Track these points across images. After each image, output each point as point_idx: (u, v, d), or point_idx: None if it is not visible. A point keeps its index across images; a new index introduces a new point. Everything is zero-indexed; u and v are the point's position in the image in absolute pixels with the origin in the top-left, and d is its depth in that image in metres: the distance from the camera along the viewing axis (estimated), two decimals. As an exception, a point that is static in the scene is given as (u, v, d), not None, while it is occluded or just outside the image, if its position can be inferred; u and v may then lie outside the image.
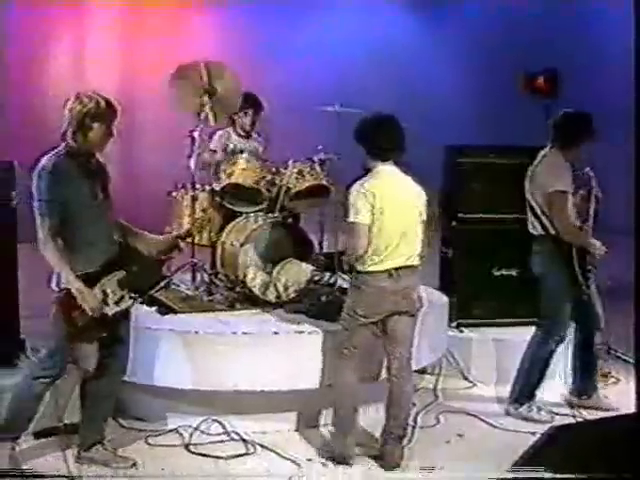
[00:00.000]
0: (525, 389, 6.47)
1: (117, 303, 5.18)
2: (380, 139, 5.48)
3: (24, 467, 5.34)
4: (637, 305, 4.38)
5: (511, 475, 4.74)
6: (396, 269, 5.39)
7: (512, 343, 7.10)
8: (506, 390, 6.75)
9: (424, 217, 5.59)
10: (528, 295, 7.17)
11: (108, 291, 5.13)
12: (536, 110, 9.23)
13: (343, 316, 5.62)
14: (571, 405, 6.65)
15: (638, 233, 4.43)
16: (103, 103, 5.08)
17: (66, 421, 6.00)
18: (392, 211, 5.37)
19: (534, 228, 6.36)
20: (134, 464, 5.55)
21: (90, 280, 5.04)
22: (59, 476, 4.67)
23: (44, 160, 5.05)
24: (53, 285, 5.10)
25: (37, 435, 5.77)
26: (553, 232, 6.22)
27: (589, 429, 5.33)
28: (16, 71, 9.11)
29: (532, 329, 6.61)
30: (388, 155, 5.50)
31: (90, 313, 5.00)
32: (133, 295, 5.30)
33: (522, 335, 7.09)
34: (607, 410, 6.50)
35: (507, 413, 6.50)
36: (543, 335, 6.44)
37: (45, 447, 5.71)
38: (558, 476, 4.48)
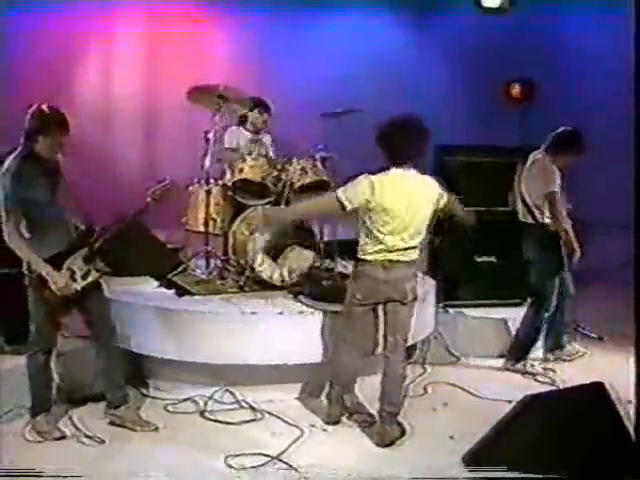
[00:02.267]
0: (522, 350, 6.80)
1: (84, 277, 5.29)
2: (395, 145, 5.23)
3: (60, 428, 5.47)
4: (637, 301, 4.42)
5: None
6: (390, 261, 5.28)
7: (492, 321, 7.23)
8: (486, 363, 6.97)
9: (429, 217, 5.37)
10: (506, 279, 7.32)
11: (74, 268, 5.24)
12: (513, 114, 9.35)
13: (345, 300, 5.60)
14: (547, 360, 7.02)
15: (638, 232, 4.45)
16: (50, 118, 5.12)
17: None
18: (394, 209, 5.19)
19: (525, 218, 6.58)
20: (156, 428, 5.63)
21: (56, 262, 5.15)
22: (61, 477, 4.71)
23: (7, 162, 5.14)
24: (24, 269, 5.22)
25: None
26: (542, 222, 6.53)
27: (558, 397, 5.41)
28: (43, 75, 9.11)
29: (510, 309, 6.82)
30: (402, 159, 5.25)
31: (59, 293, 5.13)
32: (99, 269, 5.40)
33: (501, 314, 7.24)
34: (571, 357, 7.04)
35: (506, 369, 6.81)
36: (536, 308, 6.75)
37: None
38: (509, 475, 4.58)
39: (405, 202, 5.22)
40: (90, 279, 5.34)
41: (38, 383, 5.51)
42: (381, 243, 5.26)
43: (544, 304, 6.70)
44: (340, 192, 5.24)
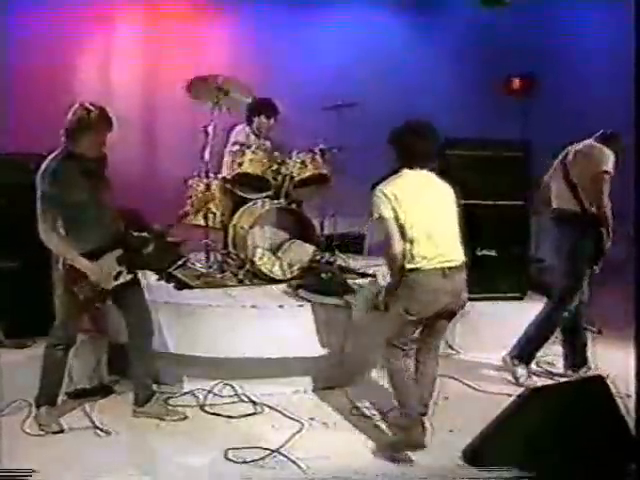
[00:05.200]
0: (528, 348, 6.55)
1: (116, 278, 5.31)
2: (408, 148, 5.12)
3: (60, 422, 5.47)
4: (637, 297, 4.42)
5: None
6: (449, 268, 5.01)
7: (492, 316, 7.17)
8: (486, 357, 6.89)
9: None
10: (506, 273, 7.30)
11: (107, 267, 5.26)
12: (514, 108, 9.34)
13: (393, 312, 5.20)
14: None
15: (638, 231, 4.45)
16: (94, 116, 5.11)
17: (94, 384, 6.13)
18: (421, 212, 5.01)
19: (569, 204, 6.43)
20: (185, 417, 5.67)
21: (90, 258, 5.17)
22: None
23: (45, 162, 5.15)
24: (59, 265, 5.23)
25: (70, 395, 5.89)
26: (586, 208, 6.33)
27: (558, 391, 5.40)
28: (46, 72, 9.11)
29: (510, 303, 6.72)
30: (414, 163, 5.14)
31: (98, 285, 5.16)
32: (132, 270, 5.43)
33: (501, 308, 7.23)
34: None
35: (504, 362, 6.61)
36: (556, 305, 6.50)
37: (75, 405, 5.83)
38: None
39: (427, 201, 5.10)
40: (121, 280, 5.35)
41: (50, 377, 5.52)
42: (427, 250, 5.00)
43: (567, 301, 6.42)
44: (378, 214, 5.06)
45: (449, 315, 5.25)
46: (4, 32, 8.64)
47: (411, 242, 4.99)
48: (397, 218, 5.00)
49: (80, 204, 5.15)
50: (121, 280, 5.35)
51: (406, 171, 5.16)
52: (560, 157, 6.59)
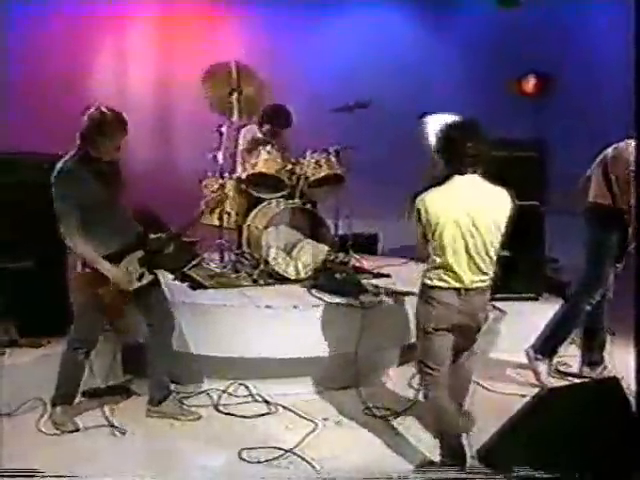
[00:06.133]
0: (550, 343, 6.52)
1: (139, 279, 5.33)
2: (455, 151, 4.70)
3: (75, 421, 5.48)
4: (637, 296, 4.41)
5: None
6: (467, 290, 4.72)
7: (507, 315, 7.17)
8: (501, 357, 6.86)
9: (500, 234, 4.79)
10: (521, 273, 7.28)
11: (130, 269, 5.27)
12: (528, 107, 9.30)
13: (417, 330, 4.97)
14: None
15: (638, 231, 4.43)
16: (110, 120, 5.09)
17: (110, 383, 6.14)
18: (456, 228, 4.66)
19: (603, 199, 6.39)
20: (199, 417, 5.69)
21: (112, 261, 5.17)
22: (60, 476, 4.73)
23: (59, 164, 5.14)
24: (78, 268, 5.23)
25: (84, 394, 5.89)
26: (619, 204, 6.31)
27: (573, 392, 5.38)
28: (62, 72, 9.14)
29: (526, 304, 6.70)
30: (464, 167, 4.70)
31: (122, 287, 5.17)
32: (154, 271, 5.46)
33: (515, 308, 7.20)
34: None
35: (527, 355, 6.53)
36: (581, 294, 6.48)
37: (90, 405, 5.84)
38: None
39: (467, 217, 4.68)
40: (144, 281, 5.38)
41: (69, 378, 5.54)
42: (448, 266, 4.72)
43: (591, 293, 6.40)
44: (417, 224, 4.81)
45: (467, 331, 4.95)
46: (22, 32, 8.67)
47: (436, 255, 4.76)
48: (425, 232, 4.77)
49: (97, 206, 5.15)
50: (144, 281, 5.37)
51: (456, 177, 4.73)
52: (603, 153, 6.60)
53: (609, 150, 6.54)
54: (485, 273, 4.80)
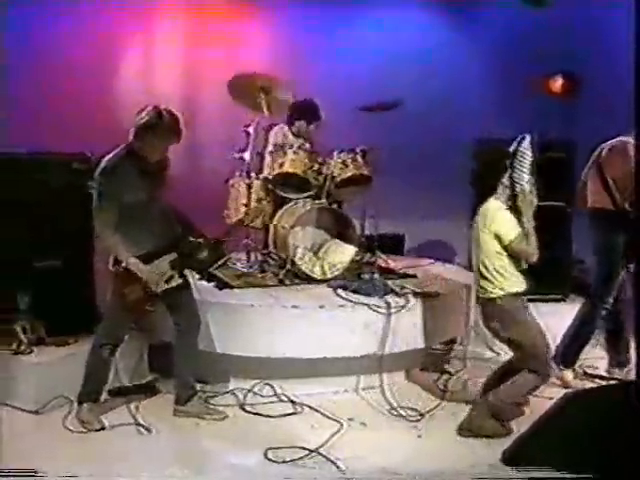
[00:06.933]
0: (570, 350, 6.50)
1: (167, 282, 5.32)
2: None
3: (101, 420, 5.51)
4: (637, 298, 4.39)
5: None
6: (478, 297, 5.64)
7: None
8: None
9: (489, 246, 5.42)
10: (547, 274, 7.23)
11: (159, 271, 5.27)
12: (555, 108, 9.20)
13: None
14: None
15: (638, 230, 4.41)
16: (163, 120, 5.08)
17: (135, 382, 6.19)
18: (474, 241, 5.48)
19: (603, 203, 6.38)
20: (226, 416, 5.70)
21: (144, 261, 5.18)
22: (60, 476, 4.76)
23: (104, 161, 5.16)
24: (110, 266, 5.26)
25: (110, 393, 5.93)
26: (622, 207, 6.27)
27: (596, 395, 5.35)
28: (87, 71, 9.16)
29: (547, 305, 6.83)
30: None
31: (152, 287, 5.18)
32: (183, 274, 5.46)
33: (538, 309, 7.14)
34: None
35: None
36: (595, 303, 6.46)
37: (116, 403, 5.88)
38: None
39: (476, 233, 5.51)
40: (173, 283, 5.37)
41: (95, 375, 5.58)
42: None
43: (604, 295, 6.39)
44: None
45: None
46: (45, 30, 8.69)
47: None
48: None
49: (137, 205, 5.17)
50: (172, 284, 5.36)
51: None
52: (594, 155, 6.54)
53: (601, 151, 6.47)
54: None
